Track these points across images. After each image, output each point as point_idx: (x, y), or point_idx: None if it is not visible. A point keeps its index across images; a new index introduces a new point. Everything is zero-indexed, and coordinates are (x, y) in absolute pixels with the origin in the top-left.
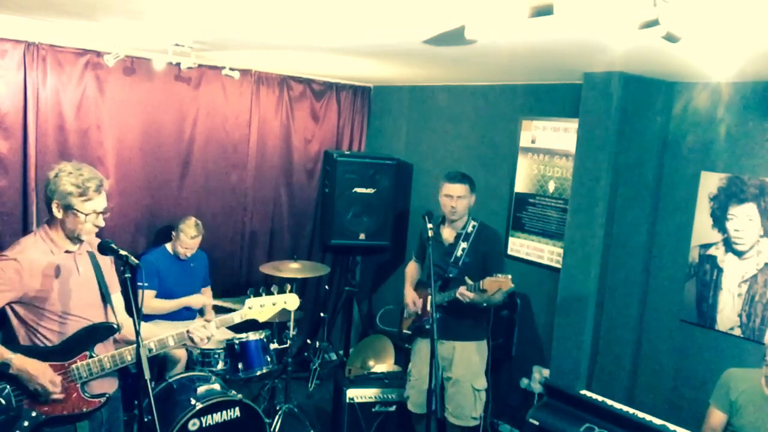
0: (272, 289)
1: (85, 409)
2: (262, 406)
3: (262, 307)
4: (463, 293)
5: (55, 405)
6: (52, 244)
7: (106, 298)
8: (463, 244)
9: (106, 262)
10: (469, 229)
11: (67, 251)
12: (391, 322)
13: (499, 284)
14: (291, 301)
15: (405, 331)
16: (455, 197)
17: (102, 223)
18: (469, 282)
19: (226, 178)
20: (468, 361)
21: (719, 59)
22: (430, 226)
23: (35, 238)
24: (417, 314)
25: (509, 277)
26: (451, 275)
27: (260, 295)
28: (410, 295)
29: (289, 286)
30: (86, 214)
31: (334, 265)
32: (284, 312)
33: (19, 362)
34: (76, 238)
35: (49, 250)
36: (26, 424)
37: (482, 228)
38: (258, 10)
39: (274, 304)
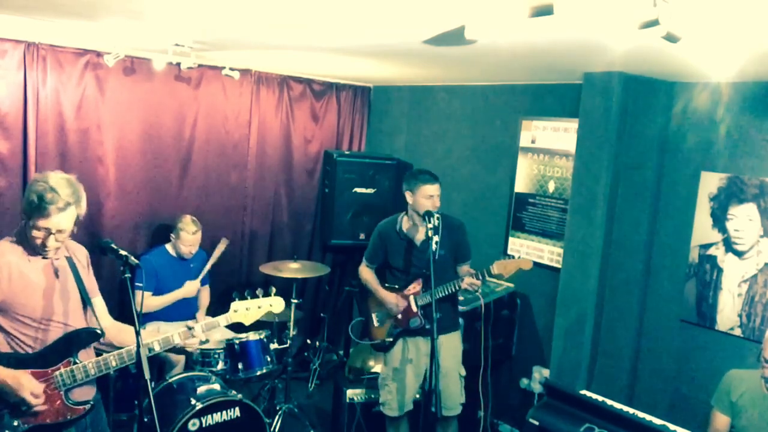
0: (257, 292)
1: (69, 417)
2: (262, 406)
3: (247, 311)
4: (473, 283)
5: (38, 414)
6: (29, 248)
7: (86, 302)
8: (435, 238)
9: (83, 266)
10: (436, 222)
11: (43, 257)
12: (361, 334)
13: (517, 265)
14: (276, 304)
15: (386, 339)
16: (436, 196)
17: (54, 245)
18: (471, 270)
19: (226, 178)
20: (454, 350)
21: (719, 59)
22: (430, 225)
23: (12, 243)
24: (396, 318)
25: (525, 257)
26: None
27: (245, 298)
28: (392, 296)
29: (274, 289)
30: (37, 229)
31: (334, 265)
32: (283, 312)
33: None
34: (39, 250)
35: (26, 255)
36: None
37: (446, 219)
38: (258, 10)
39: (259, 307)
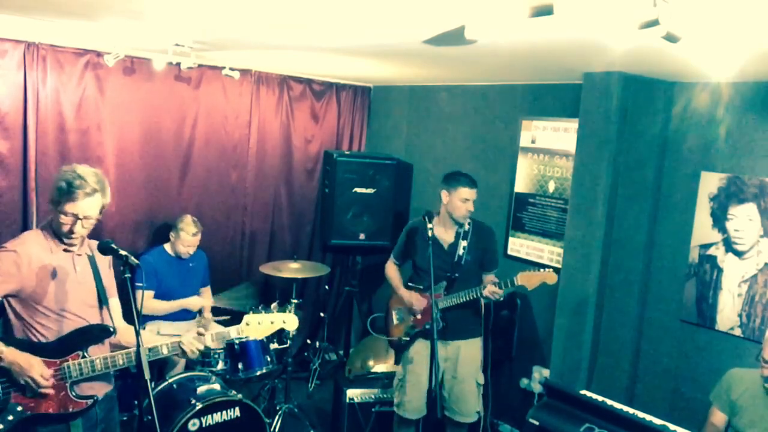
0: (272, 306)
1: (71, 409)
2: (262, 406)
3: (259, 324)
4: (494, 291)
5: (41, 402)
6: (52, 241)
7: (102, 301)
8: (463, 243)
9: (105, 267)
10: (466, 227)
11: (65, 250)
12: (380, 329)
13: (542, 278)
14: (290, 322)
15: (403, 337)
16: (471, 201)
17: (81, 231)
18: (495, 279)
19: (226, 178)
20: (473, 358)
21: (719, 59)
22: (430, 226)
23: (37, 233)
24: (414, 318)
25: (551, 270)
26: (457, 275)
27: (260, 312)
28: (413, 296)
29: (291, 307)
30: (65, 215)
31: (334, 265)
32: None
33: (11, 354)
34: (67, 237)
35: (49, 247)
36: (11, 418)
37: (477, 225)
38: (258, 10)
39: (272, 323)
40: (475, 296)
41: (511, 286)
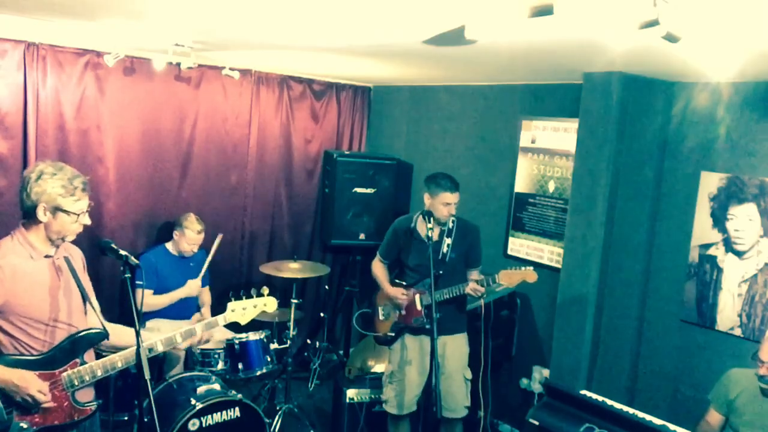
0: (251, 292)
1: (77, 418)
2: (262, 406)
3: (244, 310)
4: (476, 289)
5: (47, 415)
6: (31, 248)
7: (86, 302)
8: (448, 240)
9: (80, 267)
10: (450, 224)
11: (46, 256)
12: (365, 325)
13: (522, 276)
14: (270, 304)
15: (389, 333)
16: (453, 204)
17: (88, 221)
18: (479, 277)
19: (226, 178)
20: (460, 353)
21: (719, 59)
22: (429, 225)
23: (13, 242)
24: (400, 314)
25: (531, 268)
26: (441, 272)
27: (241, 298)
28: (397, 289)
29: (266, 290)
30: (77, 214)
31: (334, 265)
32: (283, 312)
33: (2, 374)
34: (60, 240)
35: (29, 255)
36: None
37: (462, 222)
38: (258, 10)
39: (255, 307)
40: (460, 293)
41: (492, 283)
